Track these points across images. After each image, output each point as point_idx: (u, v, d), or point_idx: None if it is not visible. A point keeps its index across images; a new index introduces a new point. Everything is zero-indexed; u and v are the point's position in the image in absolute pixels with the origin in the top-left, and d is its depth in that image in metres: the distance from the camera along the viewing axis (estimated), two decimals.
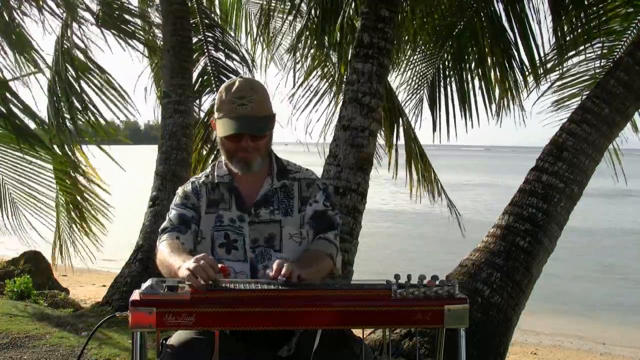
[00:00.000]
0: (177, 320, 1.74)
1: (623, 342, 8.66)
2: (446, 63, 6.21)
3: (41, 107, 6.35)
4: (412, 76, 6.50)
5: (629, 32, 5.68)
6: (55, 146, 6.10)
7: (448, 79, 6.22)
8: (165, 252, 2.12)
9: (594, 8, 5.24)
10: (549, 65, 5.65)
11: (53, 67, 6.20)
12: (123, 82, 6.70)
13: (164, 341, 2.03)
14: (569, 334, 8.93)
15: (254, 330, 1.87)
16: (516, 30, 5.43)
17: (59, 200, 6.59)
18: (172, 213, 2.27)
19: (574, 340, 8.67)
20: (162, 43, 7.13)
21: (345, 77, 5.52)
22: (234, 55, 7.91)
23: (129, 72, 8.17)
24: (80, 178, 6.47)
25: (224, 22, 8.44)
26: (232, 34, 8.36)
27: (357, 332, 2.05)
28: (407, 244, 15.50)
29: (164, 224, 2.26)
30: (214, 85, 7.73)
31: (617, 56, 5.36)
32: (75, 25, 6.47)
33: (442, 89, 6.28)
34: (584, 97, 5.04)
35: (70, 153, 6.18)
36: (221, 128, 2.21)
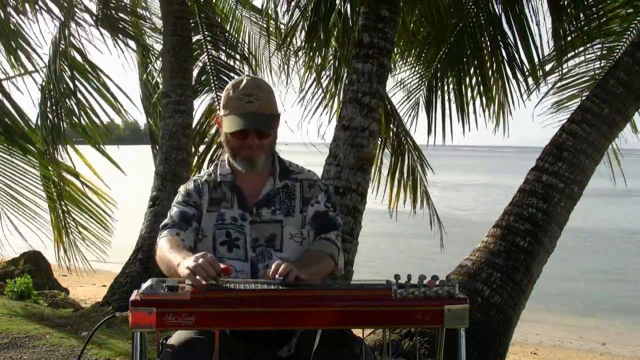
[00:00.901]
0: (177, 320, 1.74)
1: (623, 342, 8.66)
2: (444, 64, 6.20)
3: (33, 108, 6.36)
4: (409, 77, 6.50)
5: (629, 32, 5.67)
6: (42, 148, 6.08)
7: (446, 81, 6.22)
8: (164, 248, 2.12)
9: (594, 9, 5.24)
10: (548, 67, 5.65)
11: (50, 66, 6.20)
12: (123, 83, 6.72)
13: (164, 341, 2.03)
14: (569, 334, 8.94)
15: (254, 330, 1.87)
16: (515, 32, 5.42)
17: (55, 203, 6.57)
18: (174, 210, 2.28)
19: (574, 340, 8.67)
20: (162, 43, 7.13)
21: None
22: (235, 54, 7.91)
23: (129, 73, 8.16)
24: (75, 181, 6.45)
25: (224, 22, 8.45)
26: (233, 34, 8.37)
27: (357, 332, 2.05)
28: (407, 244, 15.51)
29: (165, 221, 2.27)
30: (212, 85, 7.73)
31: (617, 57, 5.36)
32: (73, 25, 6.48)
33: (439, 91, 6.28)
34: (584, 97, 5.04)
35: (59, 155, 6.17)
36: (228, 124, 2.22)
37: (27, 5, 6.36)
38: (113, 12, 6.97)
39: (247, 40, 8.60)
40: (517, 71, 5.56)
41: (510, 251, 4.49)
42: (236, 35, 8.43)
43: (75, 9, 6.61)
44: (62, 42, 6.30)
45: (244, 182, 2.31)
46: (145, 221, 6.43)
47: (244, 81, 2.25)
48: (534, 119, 6.16)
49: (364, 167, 4.62)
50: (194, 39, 7.42)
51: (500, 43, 5.58)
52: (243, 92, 2.21)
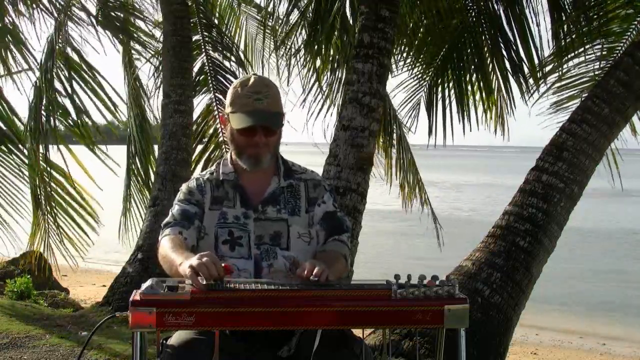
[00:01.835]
0: (177, 320, 1.74)
1: (623, 342, 8.66)
2: (445, 65, 6.20)
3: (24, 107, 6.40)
4: (409, 78, 6.51)
5: (629, 33, 5.67)
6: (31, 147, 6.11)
7: (446, 81, 6.22)
8: (167, 246, 2.12)
9: (594, 9, 5.24)
10: (548, 67, 5.64)
11: (44, 65, 6.21)
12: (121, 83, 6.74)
13: (164, 341, 2.03)
14: (569, 334, 8.94)
15: (254, 330, 1.87)
16: (515, 32, 5.42)
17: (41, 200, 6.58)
18: (175, 209, 2.28)
19: (574, 340, 8.67)
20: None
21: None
22: (231, 57, 7.91)
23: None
24: (63, 181, 6.47)
25: (222, 23, 8.45)
26: (230, 35, 8.36)
27: (357, 332, 2.05)
28: (407, 243, 15.51)
29: (167, 219, 2.26)
30: (210, 85, 7.73)
31: (617, 57, 5.35)
32: (70, 25, 6.50)
33: (439, 92, 6.28)
34: (584, 98, 5.04)
35: (48, 153, 6.19)
36: (236, 121, 2.22)
37: (20, 5, 6.38)
38: (115, 12, 6.97)
39: (244, 42, 8.61)
40: (517, 71, 5.56)
41: (510, 251, 4.49)
42: (233, 37, 8.43)
43: (73, 7, 6.62)
44: (59, 41, 6.31)
45: (247, 180, 2.31)
46: (146, 221, 6.43)
47: (252, 79, 2.27)
48: (534, 119, 6.16)
49: (364, 167, 4.62)
50: (193, 39, 7.42)
51: (501, 43, 5.58)
52: (252, 90, 2.23)
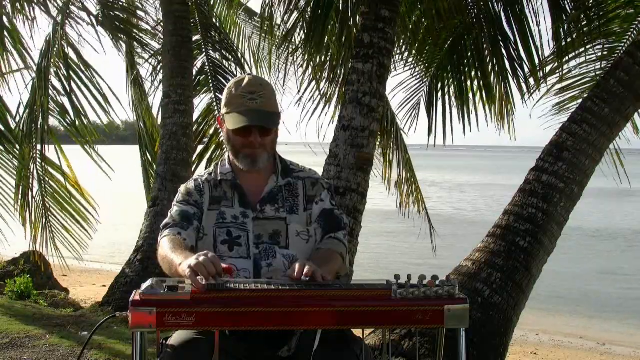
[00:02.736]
0: (177, 320, 1.74)
1: (623, 342, 8.66)
2: (445, 65, 6.20)
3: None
4: (409, 78, 6.50)
5: (629, 33, 5.67)
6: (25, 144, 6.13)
7: (446, 81, 6.22)
8: (166, 247, 2.12)
9: (594, 9, 5.23)
10: (549, 68, 5.64)
11: (42, 64, 6.22)
12: (120, 83, 6.75)
13: (164, 341, 2.03)
14: (569, 334, 8.94)
15: (254, 330, 1.87)
16: (516, 32, 5.42)
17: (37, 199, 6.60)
18: (174, 210, 2.28)
19: (574, 340, 8.67)
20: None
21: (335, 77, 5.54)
22: (230, 57, 7.92)
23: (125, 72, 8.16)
24: (60, 178, 6.49)
25: (223, 26, 8.46)
26: (228, 36, 8.38)
27: (357, 332, 2.05)
28: (407, 243, 15.51)
29: (166, 220, 2.26)
30: (211, 85, 7.74)
31: (618, 57, 5.35)
32: (69, 24, 6.51)
33: (439, 92, 6.27)
34: (584, 98, 5.04)
35: (42, 151, 6.20)
36: (231, 122, 2.22)
37: (18, 4, 6.38)
38: (116, 12, 6.98)
39: (242, 42, 8.62)
40: (517, 72, 5.55)
41: (510, 251, 4.49)
42: (232, 37, 8.44)
43: (72, 7, 6.62)
44: (57, 40, 6.32)
45: (245, 180, 2.31)
46: (145, 221, 6.44)
47: (246, 79, 2.27)
48: (535, 120, 6.16)
49: (364, 167, 4.62)
50: (193, 39, 7.42)
51: (501, 43, 5.57)
52: (246, 90, 2.22)
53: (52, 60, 6.34)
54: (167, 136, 6.47)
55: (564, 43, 5.23)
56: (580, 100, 5.79)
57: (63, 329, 5.16)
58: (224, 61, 7.96)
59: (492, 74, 5.84)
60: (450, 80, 6.17)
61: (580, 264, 13.66)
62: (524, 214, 4.54)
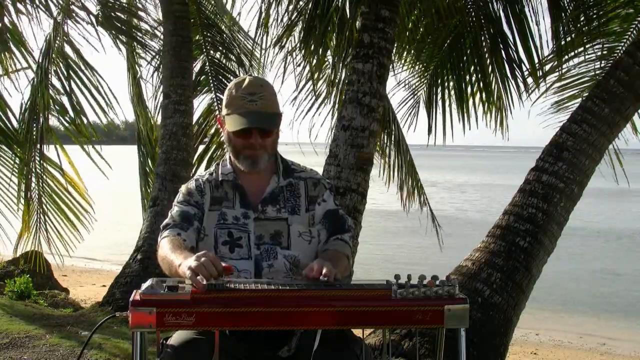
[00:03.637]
0: (177, 320, 1.74)
1: (623, 342, 8.66)
2: (444, 64, 6.20)
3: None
4: (408, 77, 6.50)
5: (629, 33, 5.67)
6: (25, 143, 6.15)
7: (446, 81, 6.21)
8: (166, 247, 2.12)
9: (594, 9, 5.23)
10: (548, 67, 5.64)
11: (42, 63, 6.22)
12: (121, 83, 6.75)
13: (164, 341, 2.03)
14: (569, 334, 8.94)
15: (254, 330, 1.87)
16: (515, 31, 5.42)
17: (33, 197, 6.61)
18: (175, 210, 2.28)
19: (574, 340, 8.67)
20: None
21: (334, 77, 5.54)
22: (231, 56, 7.92)
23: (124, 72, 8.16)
24: (60, 177, 6.50)
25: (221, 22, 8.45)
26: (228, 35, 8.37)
27: (357, 332, 2.05)
28: (407, 243, 15.51)
29: (166, 221, 2.26)
30: (211, 85, 7.74)
31: (617, 57, 5.35)
32: (69, 24, 6.51)
33: (439, 91, 6.27)
34: (584, 98, 5.04)
35: (44, 150, 6.21)
36: (231, 123, 2.22)
37: (19, 5, 6.39)
38: (116, 12, 6.98)
39: (240, 41, 8.61)
40: (516, 71, 5.56)
41: (510, 251, 4.49)
42: (231, 36, 8.43)
43: (72, 6, 6.62)
44: (58, 39, 6.33)
45: (247, 181, 2.31)
46: (146, 221, 6.44)
47: (247, 80, 2.26)
48: (534, 119, 6.16)
49: (364, 167, 4.62)
50: (193, 39, 7.42)
51: (500, 43, 5.58)
52: (246, 91, 2.22)
53: (52, 59, 6.34)
54: (167, 136, 6.47)
55: (563, 42, 5.23)
56: (579, 100, 5.81)
57: (63, 329, 5.16)
58: (225, 61, 7.96)
59: (492, 74, 5.84)
60: (450, 76, 6.17)
61: (580, 263, 13.66)
62: (524, 214, 4.54)
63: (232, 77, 7.62)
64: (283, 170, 2.34)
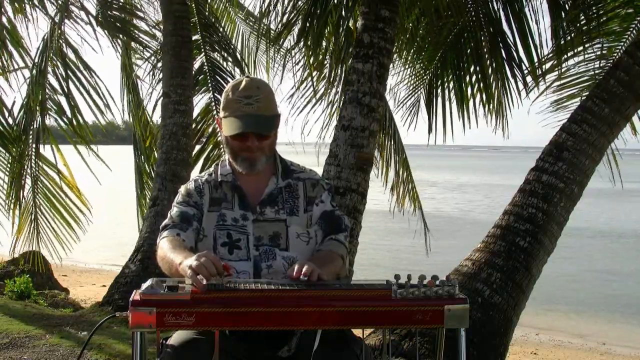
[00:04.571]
0: (177, 320, 1.74)
1: (623, 342, 8.67)
2: (444, 64, 6.20)
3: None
4: (409, 76, 6.50)
5: (629, 32, 5.67)
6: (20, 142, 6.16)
7: (446, 80, 6.21)
8: (165, 247, 2.12)
9: (593, 8, 5.23)
10: (547, 66, 5.64)
11: (39, 63, 6.22)
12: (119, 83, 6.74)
13: (164, 341, 2.03)
14: (569, 334, 8.94)
15: (254, 330, 1.87)
16: (515, 31, 5.42)
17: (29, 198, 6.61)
18: (174, 210, 2.27)
19: (574, 340, 8.68)
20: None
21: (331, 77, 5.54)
22: (228, 56, 7.92)
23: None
24: (55, 177, 6.51)
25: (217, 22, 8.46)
26: (226, 35, 8.38)
27: (357, 332, 2.05)
28: (407, 243, 15.50)
29: (165, 221, 2.26)
30: (209, 85, 7.74)
31: (617, 57, 5.36)
32: (68, 24, 6.52)
33: (439, 91, 6.28)
34: (584, 97, 5.04)
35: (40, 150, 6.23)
36: (227, 127, 2.21)
37: (17, 5, 6.39)
38: (116, 12, 6.98)
39: (240, 42, 8.62)
40: (516, 70, 5.56)
41: (510, 251, 4.49)
42: (230, 37, 8.44)
43: (71, 6, 6.63)
44: (55, 39, 6.33)
45: (245, 182, 2.30)
46: (145, 221, 6.43)
47: (243, 82, 2.24)
48: (533, 119, 6.16)
49: (364, 167, 4.62)
50: (193, 39, 7.42)
51: (500, 42, 5.58)
52: (242, 94, 2.21)
53: (50, 59, 6.34)
54: (167, 136, 6.47)
55: (562, 42, 5.23)
56: (578, 99, 5.81)
57: (63, 329, 5.16)
58: (223, 61, 7.96)
59: (491, 72, 5.84)
60: (450, 76, 6.17)
61: (580, 264, 13.66)
62: (524, 214, 4.54)
63: (229, 78, 7.64)
64: (282, 171, 2.33)
